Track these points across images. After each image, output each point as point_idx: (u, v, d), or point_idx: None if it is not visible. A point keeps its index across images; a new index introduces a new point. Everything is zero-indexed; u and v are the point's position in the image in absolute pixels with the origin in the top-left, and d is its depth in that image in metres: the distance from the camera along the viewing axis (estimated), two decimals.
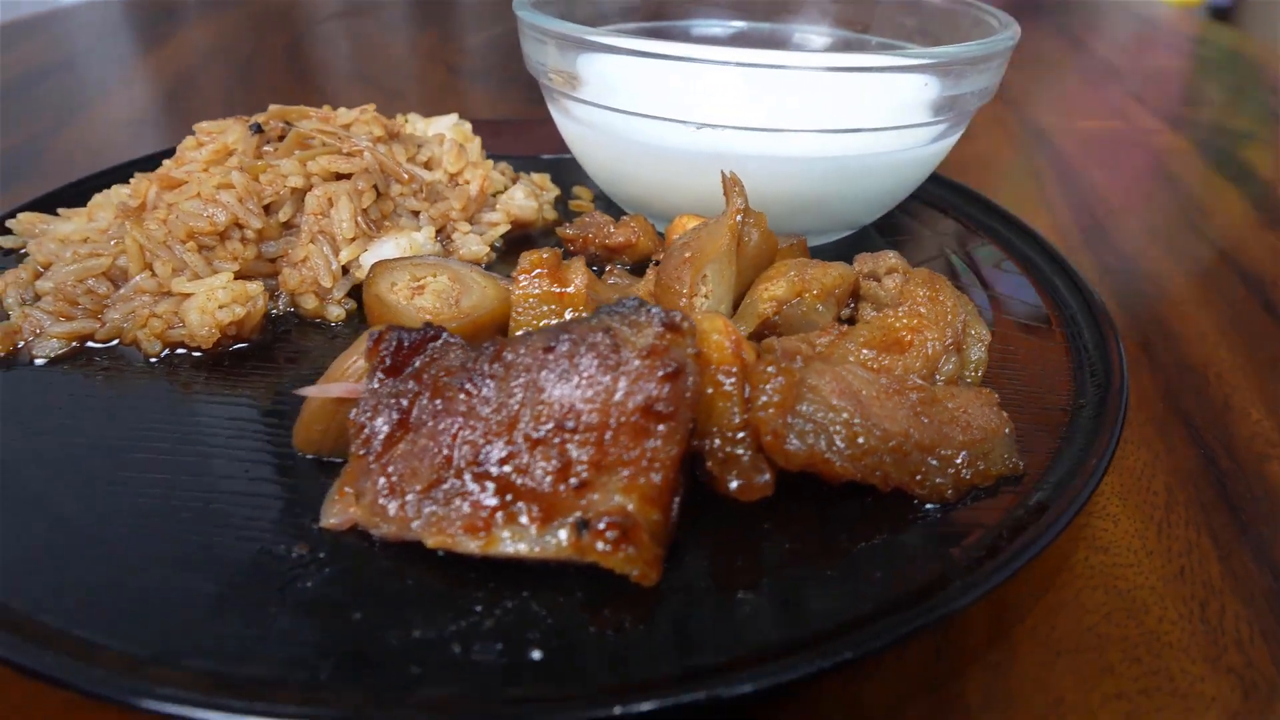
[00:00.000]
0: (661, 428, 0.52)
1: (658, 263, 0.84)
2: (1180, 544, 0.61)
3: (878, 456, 0.56)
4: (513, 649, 0.48)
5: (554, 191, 0.99)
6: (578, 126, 0.91)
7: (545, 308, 0.67)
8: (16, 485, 0.58)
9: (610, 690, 0.45)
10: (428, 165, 0.91)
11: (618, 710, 0.43)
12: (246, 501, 0.58)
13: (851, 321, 0.71)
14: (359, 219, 0.78)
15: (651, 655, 0.48)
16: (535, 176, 1.02)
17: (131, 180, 0.82)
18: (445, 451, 0.53)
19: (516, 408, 0.54)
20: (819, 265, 0.68)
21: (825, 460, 0.55)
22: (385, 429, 0.55)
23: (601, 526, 0.49)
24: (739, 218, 0.69)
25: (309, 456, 0.61)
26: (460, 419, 0.54)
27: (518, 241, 0.93)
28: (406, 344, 0.57)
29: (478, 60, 1.81)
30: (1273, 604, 0.57)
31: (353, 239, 0.77)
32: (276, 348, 0.73)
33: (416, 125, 1.02)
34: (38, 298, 0.76)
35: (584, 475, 0.51)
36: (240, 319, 0.71)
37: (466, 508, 0.52)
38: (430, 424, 0.55)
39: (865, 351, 0.62)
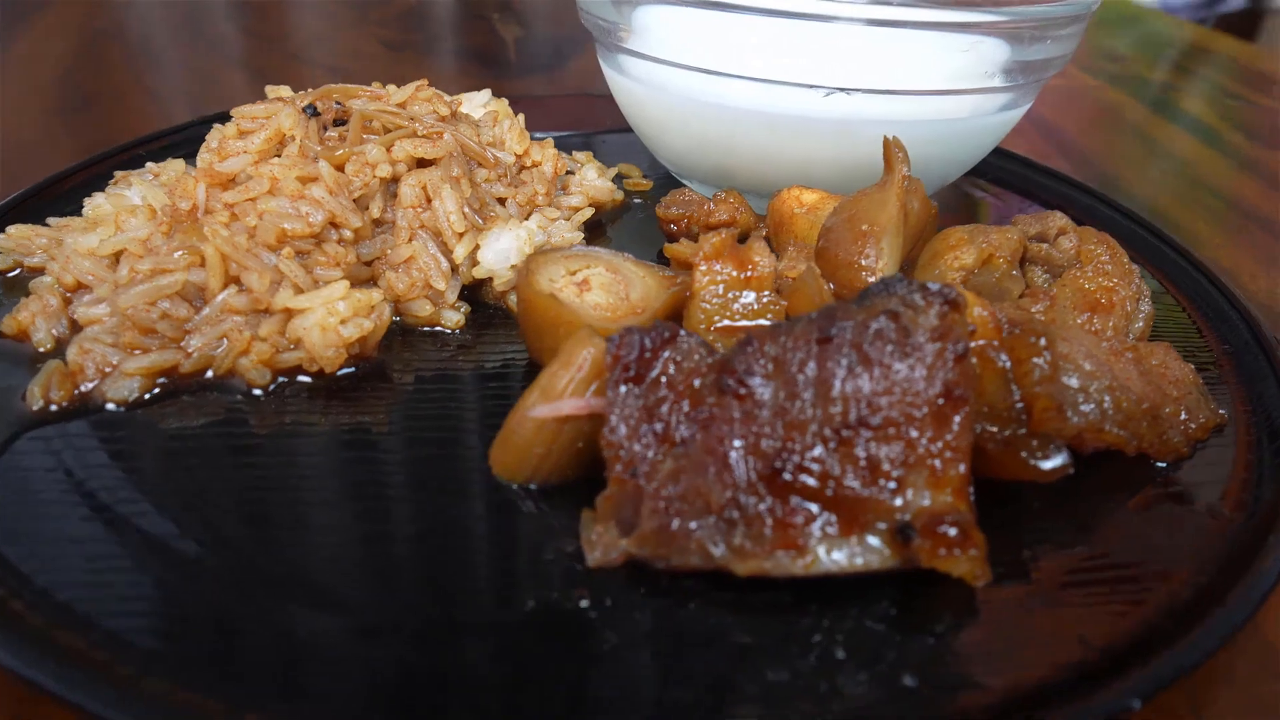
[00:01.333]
0: (958, 415, 0.48)
1: (766, 239, 0.80)
2: None
3: (1138, 420, 0.55)
4: (881, 676, 0.43)
5: (613, 169, 0.92)
6: (643, 88, 0.85)
7: (732, 294, 0.61)
8: (194, 559, 0.47)
9: (1004, 707, 0.41)
10: (492, 147, 0.82)
11: None
12: (475, 551, 0.49)
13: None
14: (465, 210, 0.68)
15: (1019, 663, 0.44)
16: (579, 155, 0.94)
17: (159, 178, 0.69)
18: (729, 464, 0.47)
19: (803, 407, 0.48)
20: (995, 230, 0.66)
21: (1097, 428, 0.53)
22: (649, 447, 0.48)
23: (939, 530, 0.45)
24: (904, 185, 0.66)
25: (515, 485, 0.53)
26: (736, 426, 0.48)
27: (590, 226, 0.85)
28: (649, 347, 0.50)
29: (412, 33, 1.66)
30: None
31: (462, 233, 0.68)
32: (392, 365, 0.63)
33: (442, 96, 0.91)
34: (74, 328, 0.62)
35: (895, 473, 0.47)
36: (366, 334, 0.60)
37: (771, 524, 0.46)
38: (700, 435, 0.48)
39: (1076, 316, 0.61)
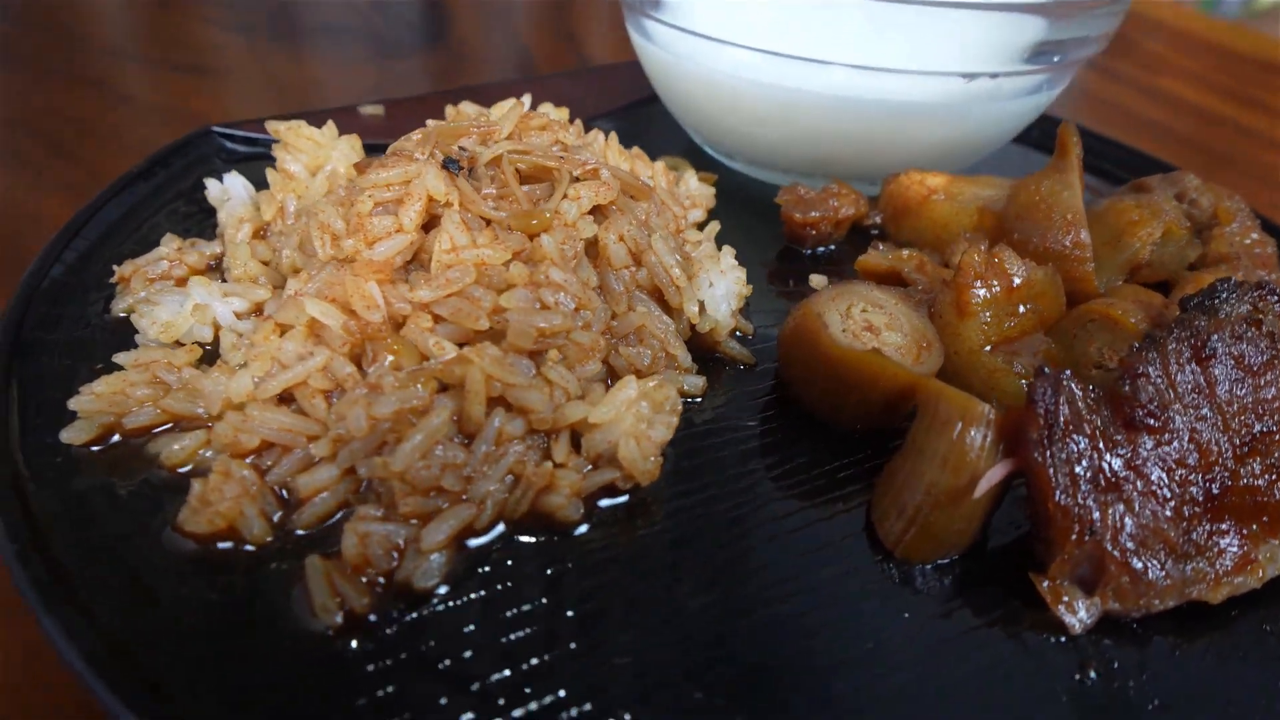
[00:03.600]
0: None
1: (876, 231, 0.80)
2: None
3: None
4: None
5: (690, 172, 0.84)
6: (691, 65, 0.80)
7: (1003, 310, 0.60)
8: None
9: None
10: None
11: None
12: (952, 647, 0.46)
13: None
14: (678, 260, 0.60)
15: None
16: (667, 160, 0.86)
17: (306, 304, 0.53)
18: (1170, 499, 0.48)
19: (1208, 426, 0.50)
20: (1153, 202, 0.70)
21: None
22: (1096, 502, 0.47)
23: None
24: (1080, 163, 0.68)
25: (924, 564, 0.50)
26: (1162, 459, 0.49)
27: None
28: (1062, 399, 0.48)
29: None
30: None
31: (684, 285, 0.60)
32: (678, 454, 0.56)
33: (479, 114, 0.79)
34: (275, 500, 0.48)
35: None
36: (672, 430, 0.53)
37: (1226, 546, 0.48)
38: (1133, 477, 0.48)
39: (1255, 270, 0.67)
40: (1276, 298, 0.52)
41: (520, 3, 1.50)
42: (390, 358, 0.50)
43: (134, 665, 0.40)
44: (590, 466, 0.51)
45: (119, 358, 0.55)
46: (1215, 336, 0.51)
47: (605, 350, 0.55)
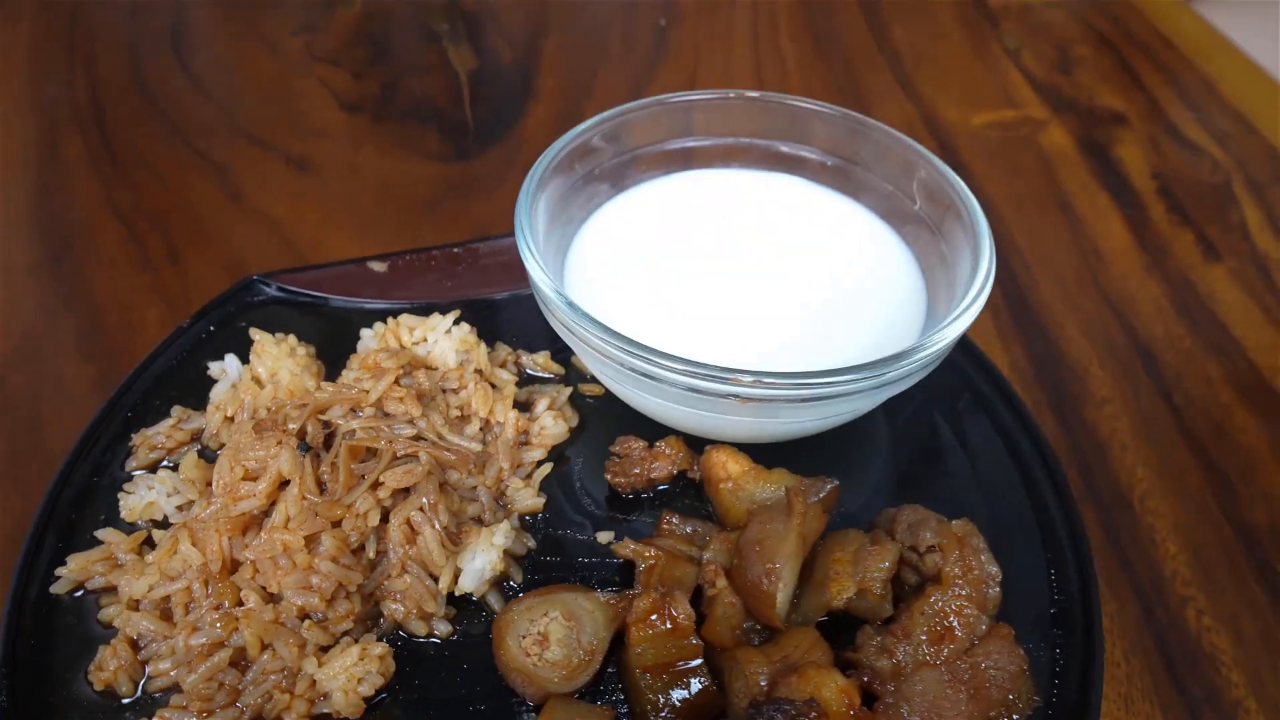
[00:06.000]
0: None
1: (695, 479, 0.95)
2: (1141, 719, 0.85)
3: None
4: None
5: (566, 390, 1.03)
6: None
7: (663, 643, 0.78)
8: None
9: None
10: (461, 414, 0.94)
11: None
12: None
13: (897, 580, 0.86)
14: (443, 539, 0.83)
15: None
16: (538, 358, 1.06)
17: (185, 537, 0.82)
18: None
19: None
20: (873, 554, 0.82)
21: None
22: None
23: None
24: (802, 522, 0.81)
25: None
26: None
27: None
28: None
29: (365, 79, 1.65)
30: None
31: (444, 563, 0.83)
32: (407, 689, 0.81)
33: (413, 329, 1.02)
34: (146, 676, 0.79)
35: None
36: (380, 684, 0.78)
37: None
38: None
39: (929, 650, 0.78)
40: (797, 710, 0.67)
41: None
42: (214, 598, 0.79)
43: None
44: (322, 697, 0.78)
45: (99, 533, 0.88)
46: None
47: (363, 609, 0.80)
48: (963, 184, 0.98)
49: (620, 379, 0.89)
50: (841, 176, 1.10)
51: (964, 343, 1.08)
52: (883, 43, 1.78)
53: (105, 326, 1.18)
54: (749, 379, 0.80)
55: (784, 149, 1.12)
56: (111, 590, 0.85)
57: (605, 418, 1.02)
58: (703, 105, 1.10)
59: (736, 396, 0.82)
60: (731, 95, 1.10)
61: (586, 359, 0.95)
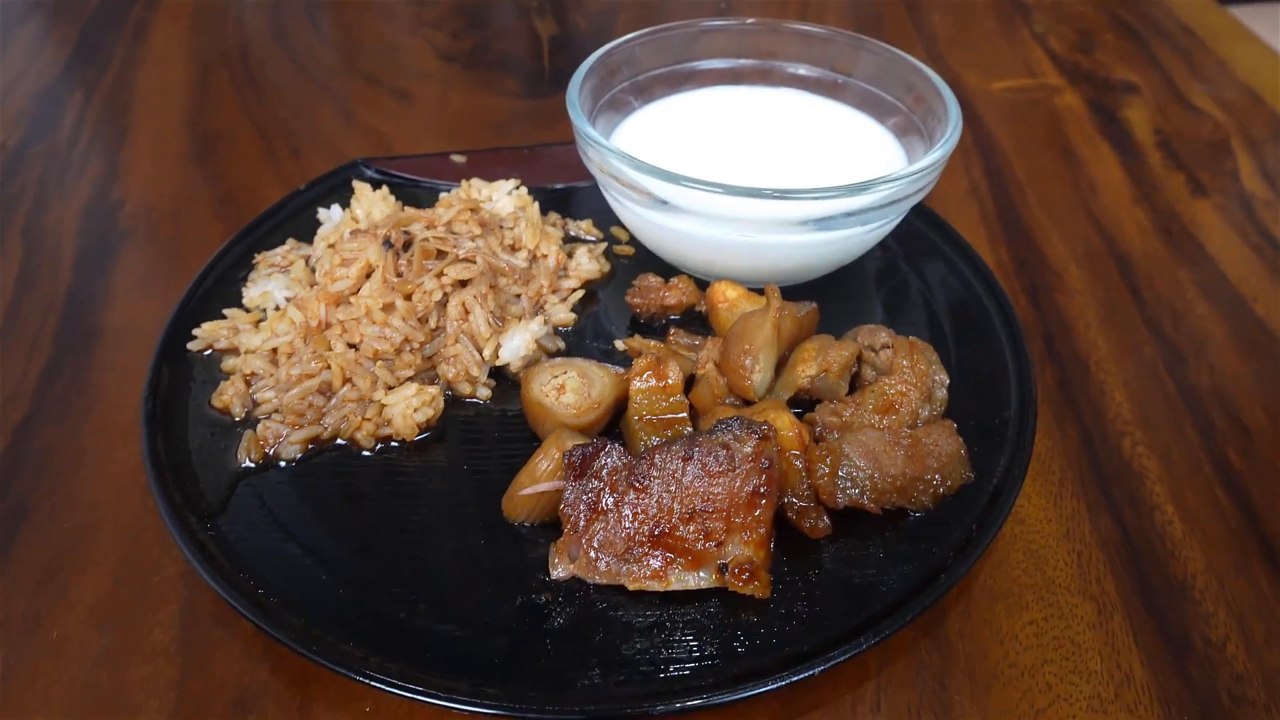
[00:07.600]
0: (764, 502, 0.85)
1: (702, 311, 1.14)
2: (1067, 511, 0.98)
3: (890, 494, 0.90)
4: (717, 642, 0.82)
5: (601, 243, 1.24)
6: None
7: (655, 397, 0.96)
8: (317, 550, 0.88)
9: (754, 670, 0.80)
10: (513, 246, 1.16)
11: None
12: (489, 559, 0.89)
13: (858, 377, 1.02)
14: (489, 319, 1.04)
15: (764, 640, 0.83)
16: (581, 223, 1.27)
17: (292, 306, 1.05)
18: (628, 528, 0.85)
19: (670, 497, 0.85)
20: (836, 346, 0.99)
21: (860, 503, 0.89)
22: (585, 516, 0.86)
23: (738, 571, 0.83)
24: (778, 314, 0.99)
25: (515, 523, 0.92)
26: (634, 506, 0.85)
27: (584, 297, 1.19)
28: (588, 455, 0.87)
29: (462, 37, 1.93)
30: (1118, 549, 0.95)
31: (488, 337, 1.04)
32: (452, 430, 1.01)
33: (480, 189, 1.25)
34: (254, 404, 1.02)
35: (720, 537, 0.84)
36: (430, 417, 0.99)
37: (650, 563, 0.85)
38: (615, 511, 0.86)
39: (874, 416, 0.95)
40: (750, 434, 0.84)
41: None
42: (311, 346, 1.02)
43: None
44: (386, 423, 0.99)
45: (225, 311, 1.12)
46: (697, 449, 0.85)
47: (419, 366, 1.02)
48: (936, 75, 1.17)
49: (644, 209, 1.09)
50: (837, 88, 1.30)
51: (947, 231, 1.25)
52: (920, 27, 1.98)
53: (237, 198, 1.45)
54: (771, 192, 0.99)
55: (785, 67, 1.33)
56: (233, 352, 1.08)
57: (633, 271, 1.22)
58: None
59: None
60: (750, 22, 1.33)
61: (615, 197, 1.15)
